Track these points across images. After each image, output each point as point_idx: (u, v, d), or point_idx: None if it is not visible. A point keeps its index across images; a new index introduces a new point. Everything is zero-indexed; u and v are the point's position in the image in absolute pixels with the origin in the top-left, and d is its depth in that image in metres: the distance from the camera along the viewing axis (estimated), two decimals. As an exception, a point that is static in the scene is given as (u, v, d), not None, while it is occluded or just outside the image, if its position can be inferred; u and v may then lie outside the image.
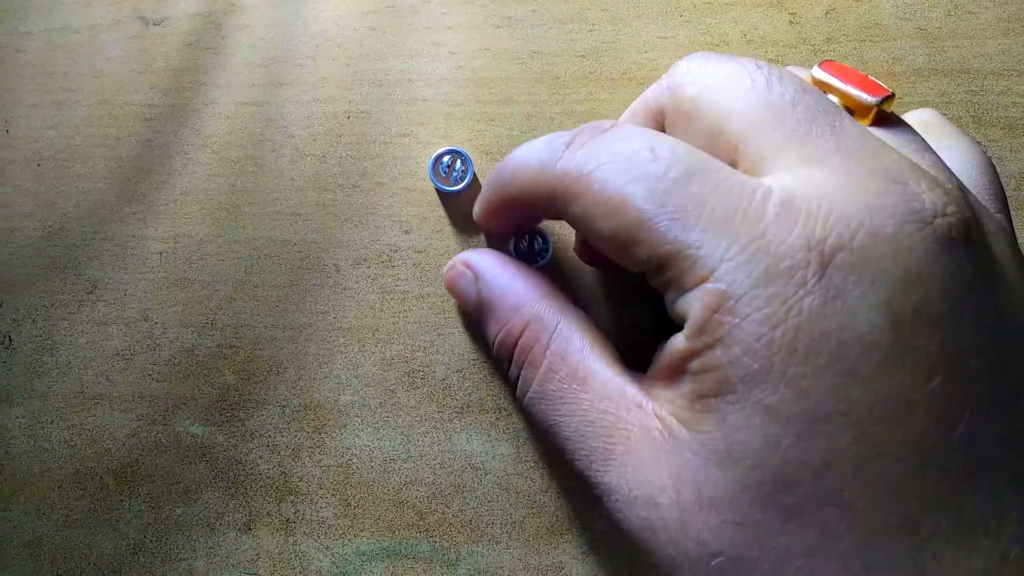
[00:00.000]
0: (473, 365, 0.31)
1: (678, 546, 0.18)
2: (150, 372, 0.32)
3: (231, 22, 0.34)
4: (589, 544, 0.30)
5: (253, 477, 0.31)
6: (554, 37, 0.33)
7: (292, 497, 0.31)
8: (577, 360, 0.22)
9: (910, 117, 0.28)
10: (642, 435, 0.20)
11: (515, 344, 0.24)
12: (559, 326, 0.23)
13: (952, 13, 0.33)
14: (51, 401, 0.32)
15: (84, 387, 0.32)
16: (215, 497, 0.31)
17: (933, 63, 0.32)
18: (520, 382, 0.24)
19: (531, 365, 0.23)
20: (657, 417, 0.20)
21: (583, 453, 0.21)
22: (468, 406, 0.31)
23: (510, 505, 0.30)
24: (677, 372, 0.20)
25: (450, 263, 0.28)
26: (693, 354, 0.19)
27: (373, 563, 0.30)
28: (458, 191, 0.31)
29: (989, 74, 0.32)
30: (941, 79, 0.32)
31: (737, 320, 0.18)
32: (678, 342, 0.19)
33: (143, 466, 0.31)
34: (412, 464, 0.30)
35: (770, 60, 0.32)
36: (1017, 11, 0.32)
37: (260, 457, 0.31)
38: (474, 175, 0.31)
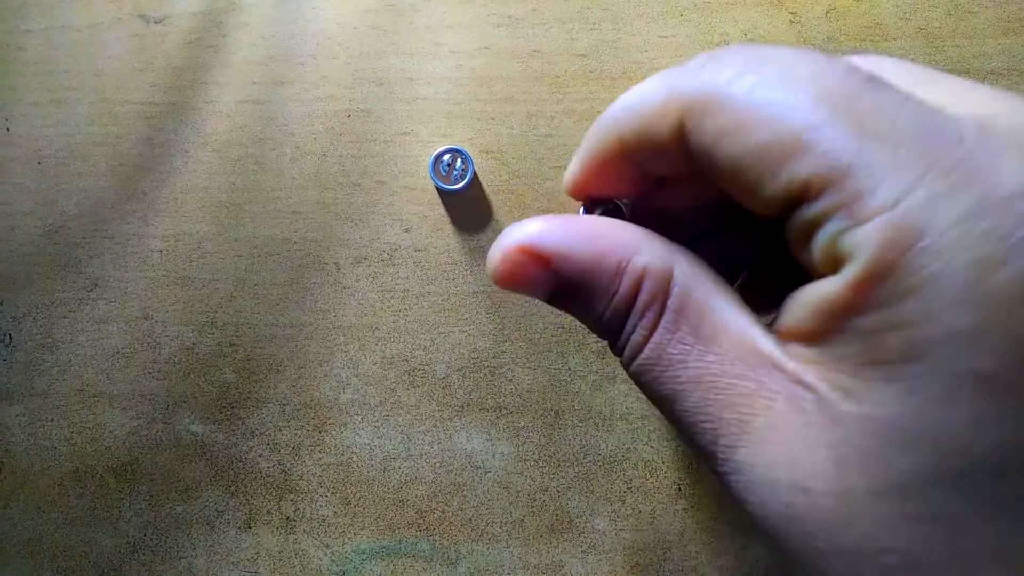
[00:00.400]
0: (473, 364, 0.31)
1: (832, 538, 0.15)
2: (150, 370, 0.32)
3: (232, 20, 0.34)
4: (589, 543, 0.29)
5: (253, 475, 0.31)
6: (554, 36, 0.32)
7: (292, 495, 0.30)
8: (700, 313, 0.18)
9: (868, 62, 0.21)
10: (787, 406, 0.16)
11: (630, 310, 0.19)
12: (675, 275, 0.18)
13: (952, 13, 0.32)
14: (51, 399, 0.32)
15: (84, 385, 0.32)
16: (215, 495, 0.31)
17: (933, 63, 0.32)
18: (627, 348, 0.19)
19: (642, 327, 0.18)
20: (804, 384, 0.16)
21: (708, 426, 0.17)
22: (468, 405, 0.30)
23: (510, 504, 0.30)
24: (828, 330, 0.15)
25: (498, 257, 0.20)
26: (860, 307, 0.15)
27: (373, 561, 0.30)
28: (458, 190, 0.30)
29: (989, 74, 0.32)
30: (941, 79, 0.32)
31: (938, 264, 0.14)
32: (832, 291, 0.15)
33: (143, 464, 0.31)
34: (412, 462, 0.30)
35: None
36: (1017, 11, 0.32)
37: (260, 455, 0.31)
38: (474, 174, 0.31)
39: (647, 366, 0.18)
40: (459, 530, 0.30)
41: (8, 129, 0.34)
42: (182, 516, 0.31)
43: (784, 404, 0.16)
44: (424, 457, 0.30)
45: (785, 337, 0.17)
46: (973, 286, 0.14)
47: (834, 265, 0.15)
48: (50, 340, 0.32)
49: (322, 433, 0.31)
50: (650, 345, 0.18)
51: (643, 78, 0.32)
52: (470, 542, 0.29)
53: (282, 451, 0.31)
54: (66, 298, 0.32)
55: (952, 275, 0.14)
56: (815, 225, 0.16)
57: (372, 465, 0.30)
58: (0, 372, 0.32)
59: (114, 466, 0.31)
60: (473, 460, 0.30)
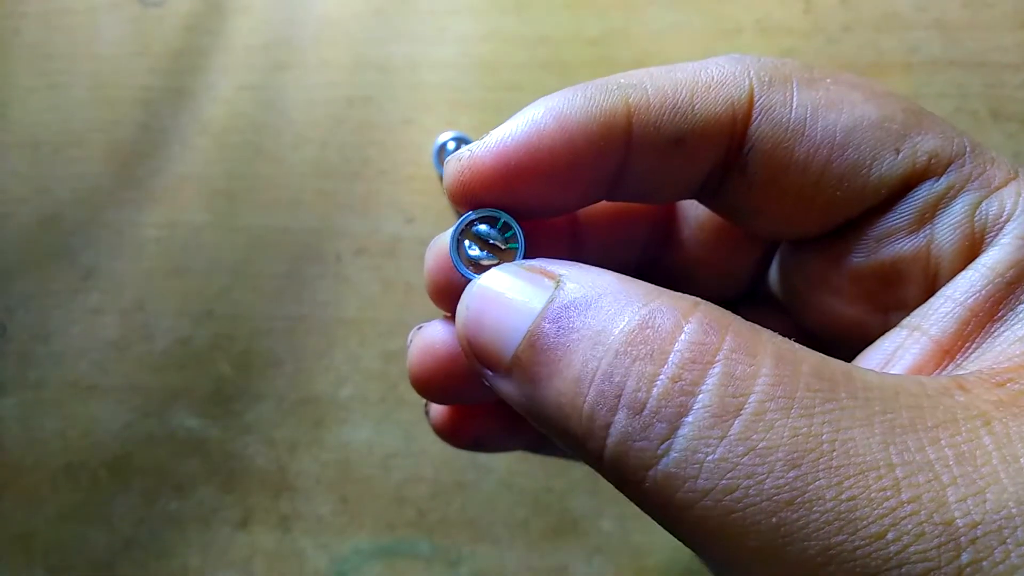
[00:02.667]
0: (477, 359, 0.27)
1: None
2: (145, 363, 0.29)
3: (231, 4, 0.30)
4: (595, 545, 0.27)
5: (249, 472, 0.28)
6: (563, 23, 0.29)
7: (289, 493, 0.28)
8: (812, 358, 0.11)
9: None
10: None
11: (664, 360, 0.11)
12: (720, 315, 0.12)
13: (969, 5, 0.29)
14: (44, 391, 0.29)
15: (78, 377, 0.29)
16: (210, 492, 0.28)
17: (950, 54, 0.29)
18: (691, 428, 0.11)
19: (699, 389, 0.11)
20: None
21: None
22: (471, 401, 0.27)
23: (513, 504, 0.27)
24: (1004, 300, 0.13)
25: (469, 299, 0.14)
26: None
27: (371, 562, 0.27)
28: (463, 179, 0.27)
29: (1006, 67, 0.29)
30: (958, 71, 0.29)
31: None
32: (1001, 258, 0.13)
33: (137, 459, 0.28)
34: (413, 460, 0.27)
35: (784, 49, 0.29)
36: (1036, 3, 0.29)
37: (257, 452, 0.28)
38: (480, 163, 0.28)
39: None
40: (461, 530, 0.27)
41: (3, 114, 0.31)
42: (176, 513, 0.28)
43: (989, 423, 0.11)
44: (425, 455, 0.27)
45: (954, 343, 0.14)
46: None
47: (971, 239, 0.13)
48: (44, 331, 0.29)
49: (320, 429, 0.28)
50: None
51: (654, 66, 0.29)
52: (472, 543, 0.27)
53: (279, 447, 0.28)
54: (60, 288, 0.29)
55: None
56: (942, 199, 0.14)
57: (372, 463, 0.27)
58: (-9, 363, 0.29)
59: (107, 461, 0.28)
60: (476, 459, 0.27)
